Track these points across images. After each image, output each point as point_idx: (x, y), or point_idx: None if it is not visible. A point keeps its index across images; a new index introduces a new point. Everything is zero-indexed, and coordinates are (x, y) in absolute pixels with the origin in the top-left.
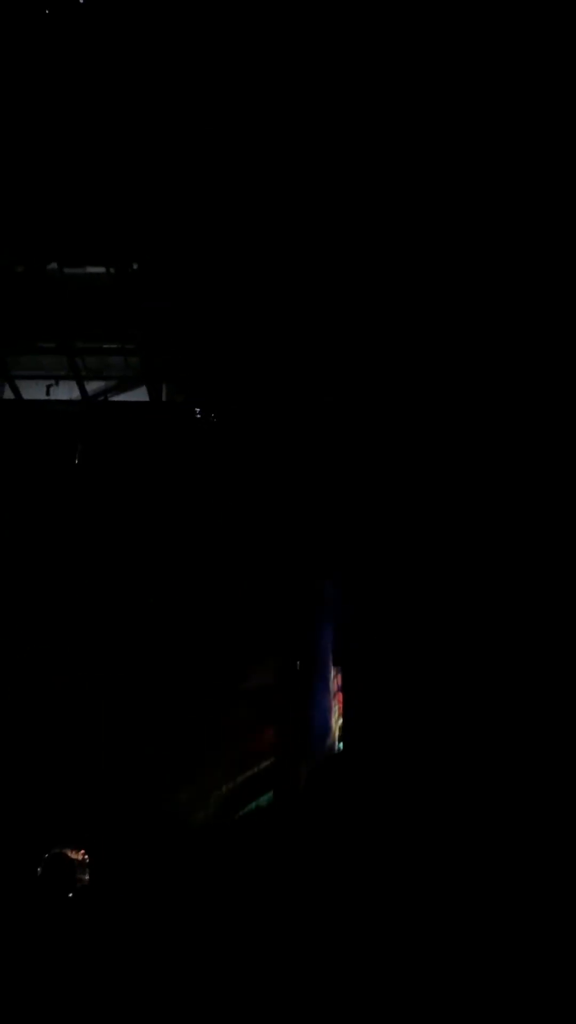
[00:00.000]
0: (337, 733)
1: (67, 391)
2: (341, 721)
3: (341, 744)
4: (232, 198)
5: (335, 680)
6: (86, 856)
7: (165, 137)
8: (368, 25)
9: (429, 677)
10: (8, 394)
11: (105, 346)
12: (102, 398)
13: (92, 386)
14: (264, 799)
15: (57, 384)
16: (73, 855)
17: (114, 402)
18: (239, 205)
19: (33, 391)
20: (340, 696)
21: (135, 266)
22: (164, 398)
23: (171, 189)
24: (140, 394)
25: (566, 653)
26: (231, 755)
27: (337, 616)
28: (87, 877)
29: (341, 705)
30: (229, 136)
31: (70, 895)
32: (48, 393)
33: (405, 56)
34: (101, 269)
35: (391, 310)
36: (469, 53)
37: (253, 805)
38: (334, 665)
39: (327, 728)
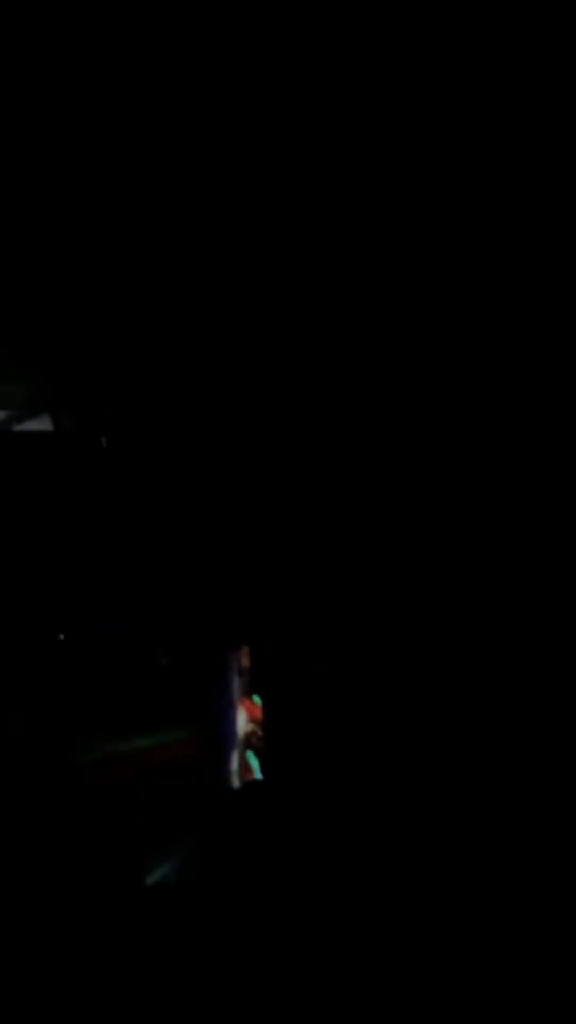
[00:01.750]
0: (243, 742)
1: None
2: (249, 728)
3: (251, 755)
4: (120, 214)
5: (237, 685)
6: None
7: (41, 150)
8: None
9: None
10: None
11: (5, 373)
12: (4, 428)
13: None
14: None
15: None
16: None
17: (16, 432)
18: (128, 222)
19: None
20: (245, 701)
21: (21, 293)
22: (68, 426)
23: (50, 206)
24: (45, 423)
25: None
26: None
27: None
28: None
29: (248, 711)
30: (106, 146)
31: None
32: None
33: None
34: None
35: (301, 332)
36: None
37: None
38: (239, 667)
39: (235, 736)
